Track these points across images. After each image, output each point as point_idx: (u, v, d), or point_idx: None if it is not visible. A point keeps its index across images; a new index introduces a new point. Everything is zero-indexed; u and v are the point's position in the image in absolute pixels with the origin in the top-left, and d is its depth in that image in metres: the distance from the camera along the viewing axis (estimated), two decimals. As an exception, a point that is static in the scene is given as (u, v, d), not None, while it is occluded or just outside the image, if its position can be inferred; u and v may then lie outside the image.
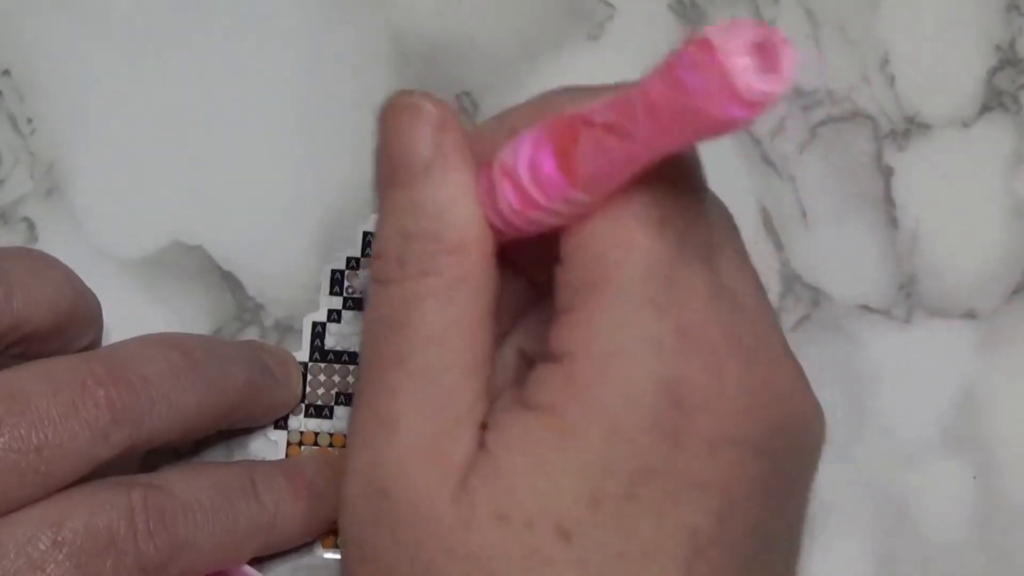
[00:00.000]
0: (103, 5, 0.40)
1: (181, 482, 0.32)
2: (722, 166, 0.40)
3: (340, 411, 0.38)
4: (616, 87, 0.27)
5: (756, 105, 0.24)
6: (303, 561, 0.37)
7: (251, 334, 0.38)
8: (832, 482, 0.38)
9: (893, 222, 0.40)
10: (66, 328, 0.33)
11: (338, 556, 0.36)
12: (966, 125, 0.40)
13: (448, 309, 0.29)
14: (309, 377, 0.38)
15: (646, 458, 0.27)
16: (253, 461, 0.37)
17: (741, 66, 0.23)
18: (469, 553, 0.27)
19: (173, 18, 0.40)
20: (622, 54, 0.39)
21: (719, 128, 0.24)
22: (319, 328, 0.38)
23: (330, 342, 0.38)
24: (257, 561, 0.35)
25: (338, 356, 0.38)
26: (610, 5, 0.40)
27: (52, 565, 0.29)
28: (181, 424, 0.32)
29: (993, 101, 0.40)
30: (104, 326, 0.35)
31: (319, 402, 0.38)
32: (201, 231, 0.39)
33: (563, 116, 0.27)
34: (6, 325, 0.31)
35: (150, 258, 0.39)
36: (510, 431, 0.28)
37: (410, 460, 0.28)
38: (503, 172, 0.28)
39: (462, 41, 0.40)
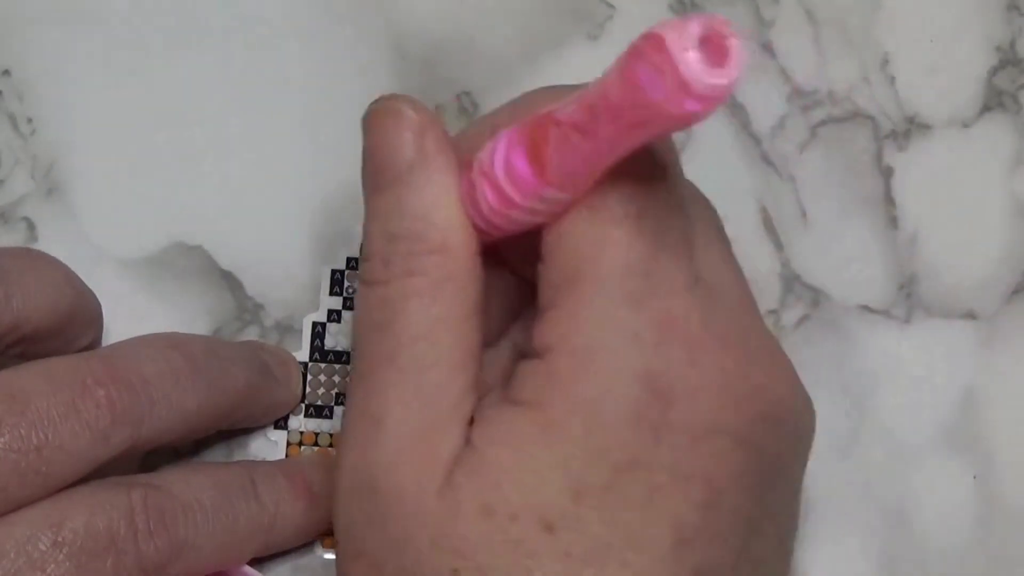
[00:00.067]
0: (103, 6, 0.40)
1: (181, 482, 0.32)
2: (722, 166, 0.40)
3: (340, 411, 0.38)
4: (585, 85, 0.27)
5: (709, 99, 0.24)
6: (303, 561, 0.37)
7: (251, 334, 0.38)
8: (832, 482, 0.38)
9: (893, 222, 0.40)
10: (66, 328, 0.33)
11: (338, 556, 0.36)
12: (966, 125, 0.40)
13: (433, 308, 0.29)
14: (309, 377, 0.38)
15: (628, 450, 0.27)
16: (253, 461, 0.37)
17: (690, 61, 0.24)
18: (455, 547, 0.28)
19: (173, 19, 0.40)
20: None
21: (676, 123, 0.25)
22: (319, 328, 0.38)
23: (330, 342, 0.38)
24: (257, 561, 0.35)
25: (338, 356, 0.38)
26: (610, 5, 0.40)
27: (52, 565, 0.29)
28: (181, 424, 0.32)
29: (993, 101, 0.40)
30: (104, 326, 0.35)
31: (319, 402, 0.38)
32: (201, 231, 0.39)
33: (535, 116, 0.28)
34: (6, 325, 0.31)
35: (150, 258, 0.39)
36: (495, 426, 0.28)
37: (398, 456, 0.29)
38: (481, 172, 0.29)
39: (462, 41, 0.40)
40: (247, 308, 0.39)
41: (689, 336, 0.28)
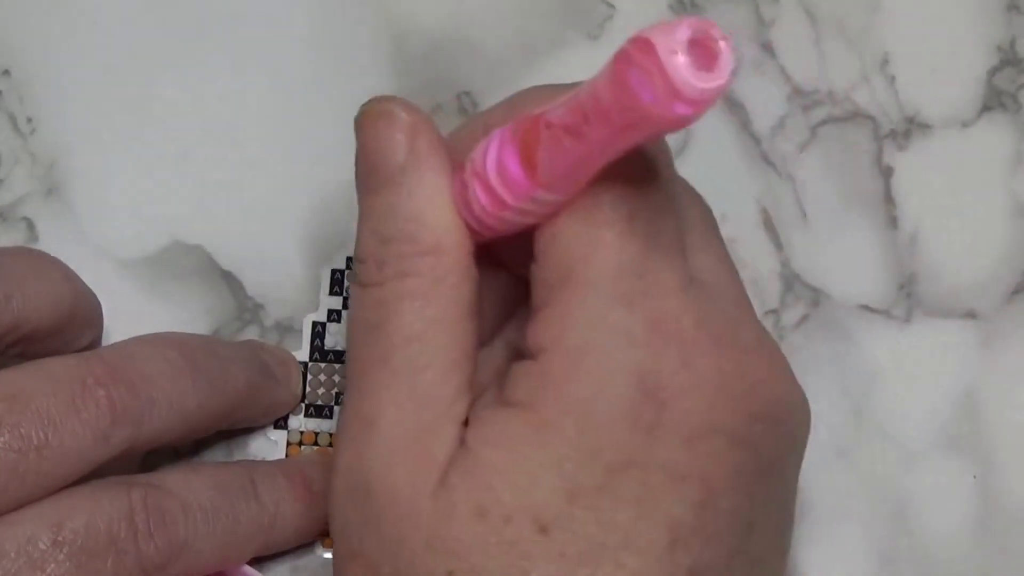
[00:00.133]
0: (103, 6, 0.40)
1: (181, 482, 0.32)
2: (722, 166, 0.40)
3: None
4: (574, 86, 0.27)
5: (699, 102, 0.24)
6: (303, 561, 0.37)
7: (251, 334, 0.38)
8: (832, 482, 0.38)
9: (893, 222, 0.40)
10: (66, 328, 0.33)
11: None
12: (966, 125, 0.40)
13: (427, 309, 0.29)
14: (309, 377, 0.38)
15: (621, 450, 0.27)
16: (253, 461, 0.37)
17: (679, 65, 0.24)
18: (449, 548, 0.28)
19: (173, 19, 0.40)
20: (622, 54, 0.39)
21: (666, 126, 0.25)
22: (319, 328, 0.38)
23: (330, 342, 0.38)
24: (257, 561, 0.35)
25: (338, 356, 0.38)
26: (610, 5, 0.40)
27: (52, 565, 0.29)
28: (181, 424, 0.32)
29: (993, 101, 0.40)
30: (104, 326, 0.35)
31: (319, 402, 0.38)
32: (201, 231, 0.39)
33: (528, 117, 0.28)
34: (6, 325, 0.31)
35: (150, 258, 0.39)
36: (489, 427, 0.28)
37: (392, 457, 0.29)
38: (473, 173, 0.29)
39: (462, 41, 0.40)
40: (247, 308, 0.39)
41: (682, 336, 0.28)
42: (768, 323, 0.39)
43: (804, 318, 0.39)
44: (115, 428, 0.31)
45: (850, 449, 0.38)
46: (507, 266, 0.32)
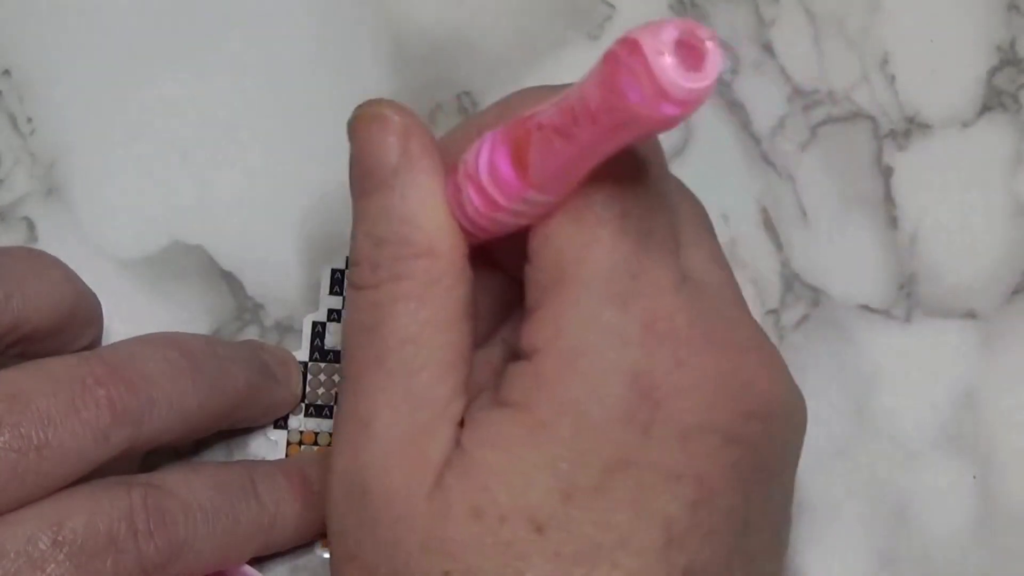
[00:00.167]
0: (103, 6, 0.40)
1: (181, 482, 0.32)
2: (722, 166, 0.40)
3: (340, 411, 0.38)
4: (567, 87, 0.27)
5: (686, 103, 0.24)
6: (302, 561, 0.37)
7: (251, 334, 0.38)
8: (832, 482, 0.38)
9: (893, 222, 0.40)
10: (66, 328, 0.33)
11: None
12: (966, 125, 0.40)
13: (421, 311, 0.29)
14: (309, 377, 0.38)
15: (616, 450, 0.27)
16: (253, 461, 0.37)
17: (666, 66, 0.24)
18: (445, 549, 0.28)
19: (173, 19, 0.40)
20: (622, 54, 0.39)
21: (654, 126, 0.25)
22: (319, 328, 0.38)
23: (330, 342, 0.38)
24: (257, 561, 0.35)
25: (338, 356, 0.38)
26: (610, 5, 0.40)
27: (52, 565, 0.29)
28: (181, 424, 0.32)
29: (993, 101, 0.40)
30: (104, 326, 0.35)
31: (319, 402, 0.38)
32: (201, 231, 0.39)
33: (518, 118, 0.28)
34: (6, 325, 0.31)
35: (150, 258, 0.39)
36: (484, 428, 0.28)
37: (388, 459, 0.29)
38: (466, 175, 0.29)
39: (462, 41, 0.40)
40: (247, 308, 0.39)
41: (676, 335, 0.28)
42: (768, 323, 0.39)
43: (804, 318, 0.39)
44: (115, 428, 0.31)
45: (850, 449, 0.38)
46: (502, 267, 0.32)
